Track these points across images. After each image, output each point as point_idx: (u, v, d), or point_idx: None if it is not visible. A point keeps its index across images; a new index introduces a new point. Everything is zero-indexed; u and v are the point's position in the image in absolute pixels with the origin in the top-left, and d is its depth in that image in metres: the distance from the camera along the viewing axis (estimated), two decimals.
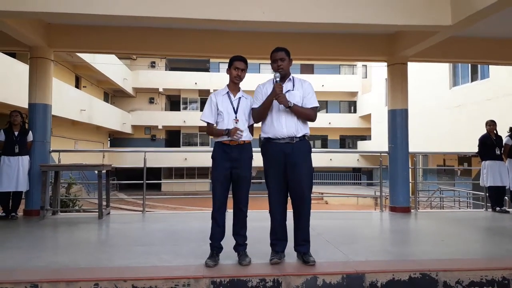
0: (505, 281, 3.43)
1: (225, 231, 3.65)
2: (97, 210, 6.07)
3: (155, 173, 27.54)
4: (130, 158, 24.72)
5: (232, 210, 3.70)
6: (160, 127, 30.42)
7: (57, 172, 6.43)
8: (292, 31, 6.47)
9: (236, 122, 3.62)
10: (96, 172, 6.20)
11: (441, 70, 16.80)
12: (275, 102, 3.58)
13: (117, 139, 29.87)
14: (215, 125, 3.72)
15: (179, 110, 31.87)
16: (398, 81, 6.98)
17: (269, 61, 3.79)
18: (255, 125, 3.82)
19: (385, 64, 7.27)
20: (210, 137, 3.80)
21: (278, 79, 3.59)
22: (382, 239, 5.08)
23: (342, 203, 21.94)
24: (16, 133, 6.04)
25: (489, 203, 7.26)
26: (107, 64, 22.32)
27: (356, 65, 33.48)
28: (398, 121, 6.92)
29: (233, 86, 3.75)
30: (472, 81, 15.44)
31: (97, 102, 22.58)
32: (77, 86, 22.36)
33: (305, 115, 3.63)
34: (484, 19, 4.81)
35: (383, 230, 5.90)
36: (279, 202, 3.65)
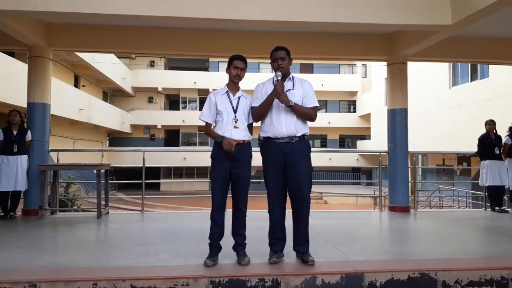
0: (504, 281, 3.43)
1: (224, 231, 3.64)
2: (96, 210, 6.06)
3: (154, 172, 27.54)
4: (129, 158, 24.69)
5: (231, 210, 3.69)
6: (159, 126, 30.41)
7: (56, 172, 6.42)
8: (291, 30, 6.46)
9: (236, 122, 3.61)
10: (95, 171, 6.19)
11: (441, 69, 16.80)
12: (275, 101, 3.57)
13: (116, 139, 29.85)
14: (213, 124, 3.73)
15: (178, 109, 31.85)
16: (397, 80, 6.97)
17: (269, 61, 3.78)
18: (254, 124, 3.81)
19: (385, 63, 7.27)
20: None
21: (279, 78, 3.58)
22: (381, 239, 5.08)
23: (341, 203, 21.94)
24: (14, 132, 6.03)
25: (488, 203, 7.26)
26: (106, 63, 22.29)
27: (355, 64, 33.48)
28: (398, 120, 6.92)
29: (233, 85, 3.74)
30: (471, 80, 15.45)
31: (96, 102, 22.55)
32: (76, 85, 22.33)
33: (306, 114, 3.63)
34: (484, 19, 4.81)
35: (382, 230, 5.90)
36: (278, 202, 3.65)
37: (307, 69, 32.32)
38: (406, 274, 3.37)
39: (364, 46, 6.96)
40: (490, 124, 7.26)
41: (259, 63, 30.70)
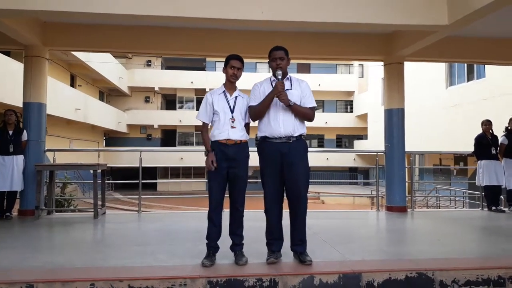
0: (501, 280, 3.44)
1: (222, 231, 3.63)
2: (92, 210, 6.04)
3: (151, 172, 27.50)
4: (126, 158, 24.65)
5: (228, 210, 3.68)
6: (155, 126, 30.36)
7: (52, 172, 6.39)
8: (289, 30, 6.46)
9: (233, 121, 3.61)
10: (91, 171, 6.17)
11: (438, 69, 16.86)
12: (273, 101, 3.57)
13: (113, 139, 29.77)
14: (210, 124, 3.72)
15: (175, 109, 31.83)
16: (394, 80, 6.98)
17: (266, 60, 3.78)
18: (251, 124, 3.81)
19: (382, 63, 7.28)
20: None
21: (279, 77, 3.58)
22: (379, 239, 5.08)
23: (339, 203, 21.96)
24: (10, 132, 5.99)
25: (485, 203, 7.28)
26: (103, 63, 22.24)
27: (352, 64, 33.55)
28: (395, 120, 6.93)
29: (230, 85, 3.73)
30: (468, 80, 15.51)
31: (92, 101, 22.50)
32: (72, 85, 22.27)
33: (304, 114, 3.63)
34: (480, 19, 4.82)
35: (379, 230, 5.90)
36: (275, 202, 3.64)
37: (304, 69, 32.37)
38: (403, 274, 3.37)
39: (361, 46, 6.97)
40: (487, 124, 7.28)
41: (256, 62, 30.70)
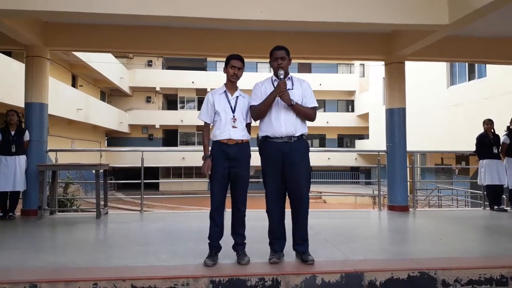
0: (503, 279, 3.44)
1: (224, 231, 3.64)
2: (95, 210, 6.05)
3: (153, 172, 27.52)
4: (128, 158, 24.67)
5: (230, 210, 3.69)
6: (157, 126, 30.38)
7: (55, 172, 6.41)
8: (290, 30, 6.46)
9: (234, 121, 3.61)
10: (93, 171, 6.18)
11: (439, 69, 16.84)
12: (275, 100, 3.57)
13: (114, 139, 29.81)
14: (212, 124, 3.73)
15: (176, 109, 31.85)
16: (395, 80, 6.98)
17: (267, 60, 3.78)
18: (252, 124, 3.81)
19: (383, 63, 7.28)
20: None
21: (281, 76, 3.58)
22: (381, 238, 5.09)
23: (340, 202, 21.96)
24: (12, 132, 6.01)
25: (487, 202, 7.27)
26: (104, 63, 22.26)
27: (353, 64, 33.53)
28: (396, 120, 6.93)
29: (231, 85, 3.74)
30: (469, 80, 15.49)
31: (94, 101, 22.52)
32: (74, 85, 22.30)
33: (306, 114, 3.63)
34: (481, 18, 4.82)
35: (381, 229, 5.90)
36: (277, 201, 3.64)
37: (305, 68, 32.36)
38: (405, 273, 3.37)
39: (362, 46, 6.97)
40: (488, 123, 7.27)
41: (257, 62, 30.70)
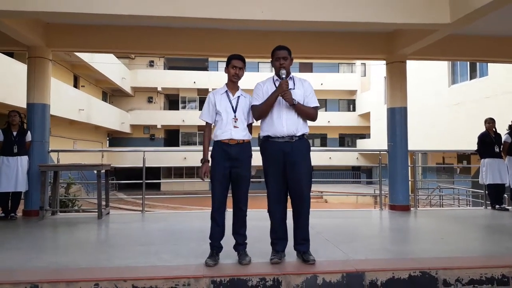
0: (505, 279, 3.43)
1: (225, 231, 3.64)
2: (96, 210, 6.06)
3: (155, 172, 27.53)
4: (129, 158, 24.69)
5: (231, 210, 3.69)
6: (159, 126, 30.41)
7: (56, 172, 6.42)
8: (291, 29, 6.46)
9: (235, 121, 3.62)
10: (95, 172, 6.19)
11: (440, 68, 16.82)
12: (276, 100, 3.57)
13: (116, 139, 29.85)
14: (213, 124, 3.73)
15: (178, 109, 31.86)
16: (397, 79, 6.98)
17: (268, 60, 3.78)
18: (254, 124, 3.82)
19: (384, 62, 7.27)
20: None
21: (283, 76, 3.58)
22: (382, 238, 5.08)
23: (342, 202, 21.96)
24: (14, 133, 6.03)
25: (489, 201, 7.26)
26: (106, 64, 22.28)
27: (355, 63, 33.49)
28: (397, 119, 6.92)
29: (232, 85, 3.74)
30: (470, 79, 15.46)
31: (96, 102, 22.56)
32: (76, 85, 22.34)
33: (308, 114, 3.64)
34: (482, 17, 4.81)
35: (382, 229, 5.90)
36: (278, 201, 3.65)
37: (307, 68, 32.33)
38: (407, 273, 3.37)
39: (364, 45, 6.96)
40: (490, 122, 7.26)
41: (258, 62, 30.69)
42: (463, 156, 17.08)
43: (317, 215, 6.07)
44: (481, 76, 14.77)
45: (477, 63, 14.63)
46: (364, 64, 32.51)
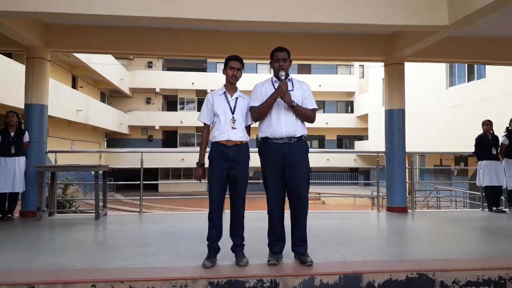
0: (502, 281, 3.44)
1: (222, 232, 3.64)
2: (94, 211, 6.05)
3: (152, 173, 27.49)
4: (127, 159, 24.66)
5: (229, 211, 3.69)
6: (157, 127, 30.38)
7: (54, 173, 6.41)
8: (290, 31, 6.47)
9: (233, 122, 3.62)
10: (93, 172, 6.18)
11: (438, 70, 16.86)
12: (275, 102, 3.58)
13: (114, 140, 29.80)
14: (211, 125, 3.73)
15: (176, 110, 31.83)
16: (395, 81, 6.99)
17: (267, 61, 3.79)
18: (252, 125, 3.82)
19: (382, 64, 7.28)
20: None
21: (283, 77, 3.58)
22: (379, 239, 5.09)
23: (339, 203, 21.95)
24: (12, 133, 6.01)
25: (486, 203, 7.28)
26: (104, 64, 22.27)
27: (353, 65, 33.55)
28: (395, 121, 6.93)
29: (230, 86, 3.74)
30: (468, 81, 15.51)
31: (94, 103, 22.52)
32: (74, 86, 22.30)
33: (306, 115, 3.64)
34: (481, 19, 4.82)
35: (380, 230, 5.91)
36: (277, 203, 3.65)
37: (305, 69, 32.39)
38: (404, 275, 3.38)
39: (362, 47, 6.98)
40: (487, 124, 7.28)
41: (257, 63, 30.72)
42: (460, 158, 17.10)
43: (315, 216, 6.08)
44: (479, 78, 14.82)
45: (475, 65, 14.66)
46: (362, 66, 32.57)
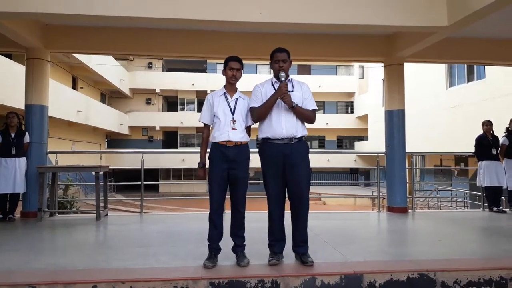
0: (503, 281, 3.44)
1: (223, 232, 3.64)
2: (94, 212, 6.05)
3: (153, 174, 27.50)
4: (128, 159, 24.64)
5: (229, 211, 3.69)
6: (157, 128, 30.39)
7: (54, 174, 6.41)
8: (290, 32, 6.48)
9: (233, 123, 3.62)
10: (93, 173, 6.19)
11: (438, 70, 16.86)
12: (275, 102, 3.58)
13: (114, 140, 29.81)
14: (212, 126, 3.73)
15: (176, 111, 31.86)
16: (395, 81, 6.99)
17: (266, 62, 3.79)
18: (252, 126, 3.82)
19: (382, 64, 7.29)
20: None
21: (283, 78, 3.59)
22: (380, 240, 5.09)
23: (340, 204, 21.96)
24: (12, 134, 6.01)
25: (486, 203, 7.28)
26: (104, 65, 22.29)
27: (353, 65, 33.57)
28: (395, 121, 6.94)
29: (230, 87, 3.75)
30: (468, 81, 15.52)
31: (94, 103, 22.54)
32: (74, 87, 22.32)
33: (306, 116, 3.65)
34: (480, 20, 4.83)
35: (380, 231, 5.91)
36: (277, 203, 3.65)
37: (305, 70, 32.40)
38: (405, 275, 3.38)
39: (362, 48, 6.98)
40: (487, 124, 7.29)
41: (257, 64, 30.73)
42: (460, 158, 17.10)
43: (316, 217, 6.07)
44: (478, 78, 14.82)
45: (475, 66, 14.67)
46: (362, 66, 32.60)
